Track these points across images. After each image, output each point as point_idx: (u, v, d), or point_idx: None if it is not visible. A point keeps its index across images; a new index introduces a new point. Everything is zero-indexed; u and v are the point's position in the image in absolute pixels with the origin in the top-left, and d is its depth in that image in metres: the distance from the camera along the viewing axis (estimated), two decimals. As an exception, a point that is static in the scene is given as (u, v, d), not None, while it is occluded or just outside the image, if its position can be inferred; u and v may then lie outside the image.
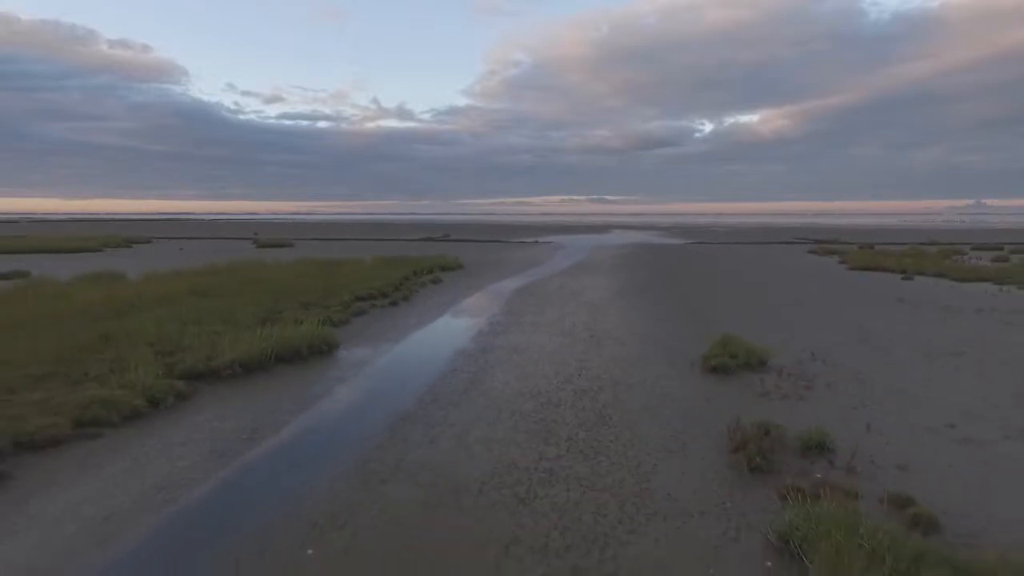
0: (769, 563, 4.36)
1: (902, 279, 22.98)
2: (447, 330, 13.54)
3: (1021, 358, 10.33)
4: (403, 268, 23.81)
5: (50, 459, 6.25)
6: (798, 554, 4.26)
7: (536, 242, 54.71)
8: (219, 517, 5.21)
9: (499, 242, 54.02)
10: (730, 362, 9.72)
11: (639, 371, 9.80)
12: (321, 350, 10.86)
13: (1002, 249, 40.26)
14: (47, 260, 31.69)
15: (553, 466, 6.13)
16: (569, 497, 5.46)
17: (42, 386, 7.80)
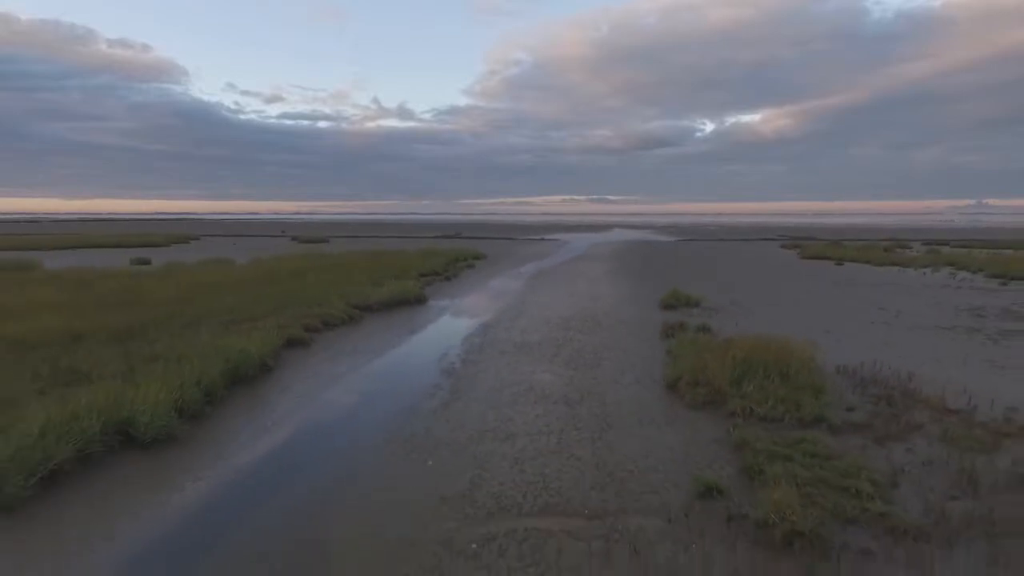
0: (661, 357, 10.65)
1: (835, 265, 29.24)
2: (493, 292, 19.84)
3: (856, 306, 16.65)
4: (441, 257, 30.00)
5: (323, 336, 12.53)
6: (673, 352, 10.52)
7: (542, 239, 61.03)
8: (419, 352, 11.52)
9: (508, 239, 60.31)
10: (675, 303, 16.03)
11: (620, 309, 16.09)
12: (420, 300, 17.19)
13: (947, 244, 46.55)
14: (135, 253, 37.85)
15: (572, 337, 12.44)
16: (580, 344, 11.77)
17: (286, 311, 14.06)
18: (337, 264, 24.37)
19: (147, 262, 29.53)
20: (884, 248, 39.40)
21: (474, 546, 4.72)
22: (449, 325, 14.17)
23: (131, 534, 4.97)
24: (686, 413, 7.70)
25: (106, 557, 4.66)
